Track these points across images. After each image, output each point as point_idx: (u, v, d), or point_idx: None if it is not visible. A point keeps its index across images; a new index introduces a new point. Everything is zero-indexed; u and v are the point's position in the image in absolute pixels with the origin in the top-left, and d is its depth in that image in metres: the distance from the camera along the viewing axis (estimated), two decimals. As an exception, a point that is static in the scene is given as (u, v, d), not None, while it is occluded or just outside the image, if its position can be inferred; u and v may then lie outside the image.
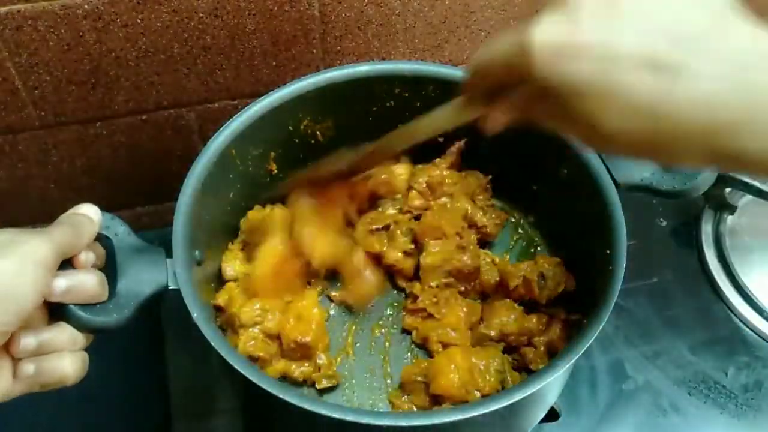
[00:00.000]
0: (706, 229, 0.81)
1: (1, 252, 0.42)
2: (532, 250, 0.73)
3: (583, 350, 0.50)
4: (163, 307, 0.54)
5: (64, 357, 0.47)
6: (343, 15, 0.73)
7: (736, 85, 0.34)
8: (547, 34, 0.37)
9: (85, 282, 0.48)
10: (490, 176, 0.73)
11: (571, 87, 0.37)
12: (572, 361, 0.50)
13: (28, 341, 0.45)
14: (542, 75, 0.37)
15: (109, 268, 0.51)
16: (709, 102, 0.34)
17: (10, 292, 0.42)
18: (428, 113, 0.53)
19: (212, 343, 0.50)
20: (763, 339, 0.73)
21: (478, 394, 0.58)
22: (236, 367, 0.49)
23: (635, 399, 0.68)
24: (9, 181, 0.78)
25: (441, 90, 0.69)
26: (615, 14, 0.35)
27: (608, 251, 0.57)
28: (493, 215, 0.72)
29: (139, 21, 0.68)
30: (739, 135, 0.34)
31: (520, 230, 0.74)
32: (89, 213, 0.50)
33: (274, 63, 0.75)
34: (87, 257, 0.49)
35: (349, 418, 0.47)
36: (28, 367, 0.45)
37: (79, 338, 0.48)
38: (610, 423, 0.67)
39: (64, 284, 0.46)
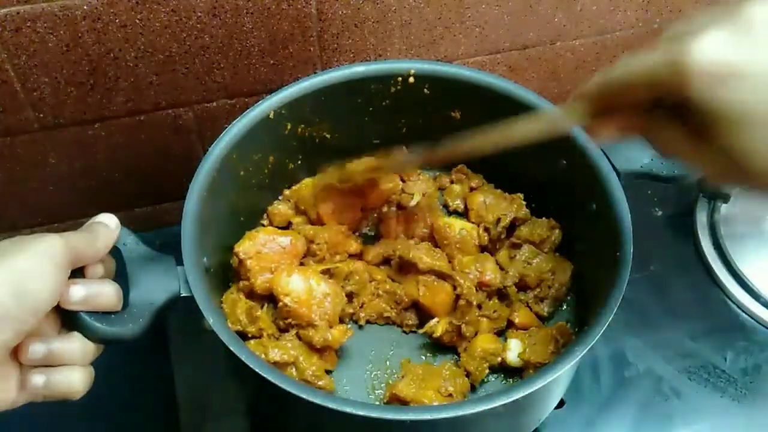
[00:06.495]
0: (701, 218, 0.82)
1: (18, 250, 0.42)
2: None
3: (594, 341, 0.51)
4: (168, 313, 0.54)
5: (75, 371, 0.46)
6: (340, 12, 0.74)
7: None
8: (710, 54, 0.32)
9: (102, 291, 0.48)
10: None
11: (731, 115, 0.32)
12: (584, 352, 0.50)
13: (36, 349, 0.45)
14: (699, 100, 0.33)
15: (121, 278, 0.50)
16: None
17: (28, 289, 0.42)
18: (519, 120, 0.50)
19: (230, 347, 0.50)
20: (760, 324, 0.74)
21: None
22: (255, 369, 0.48)
23: (637, 385, 0.69)
24: (7, 184, 0.78)
25: (437, 87, 0.70)
26: None
27: (612, 239, 0.58)
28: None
29: (137, 21, 0.68)
30: None
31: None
32: (105, 221, 0.50)
33: (271, 61, 0.76)
34: (95, 270, 0.48)
35: (373, 414, 0.47)
36: (38, 378, 0.45)
37: (90, 350, 0.48)
38: (614, 408, 0.68)
39: (82, 292, 0.46)
